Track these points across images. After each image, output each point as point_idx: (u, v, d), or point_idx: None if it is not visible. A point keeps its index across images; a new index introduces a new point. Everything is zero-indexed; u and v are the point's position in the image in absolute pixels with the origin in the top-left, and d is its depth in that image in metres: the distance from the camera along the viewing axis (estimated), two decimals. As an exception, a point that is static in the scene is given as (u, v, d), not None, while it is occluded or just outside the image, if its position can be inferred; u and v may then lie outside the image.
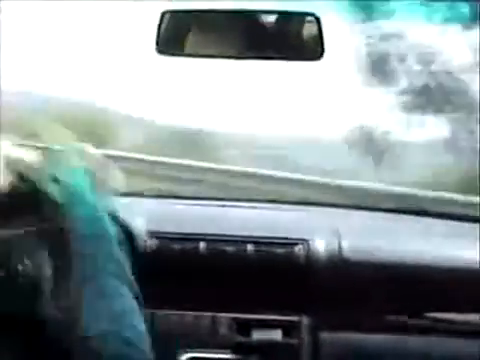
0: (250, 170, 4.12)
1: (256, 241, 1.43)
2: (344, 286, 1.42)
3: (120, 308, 0.86)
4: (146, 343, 0.86)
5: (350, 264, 1.42)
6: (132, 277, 0.93)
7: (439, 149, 4.12)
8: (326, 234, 1.47)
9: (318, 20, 1.25)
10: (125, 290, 0.89)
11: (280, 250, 1.43)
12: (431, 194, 3.58)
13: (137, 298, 0.93)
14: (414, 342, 1.43)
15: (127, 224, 1.36)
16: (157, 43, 1.25)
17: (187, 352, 1.41)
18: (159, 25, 1.24)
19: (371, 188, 3.64)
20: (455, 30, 4.15)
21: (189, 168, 4.28)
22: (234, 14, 1.28)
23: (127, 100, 4.73)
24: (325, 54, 1.27)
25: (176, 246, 1.43)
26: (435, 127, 4.34)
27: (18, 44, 3.92)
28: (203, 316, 1.43)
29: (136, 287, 0.94)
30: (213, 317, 1.43)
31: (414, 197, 3.33)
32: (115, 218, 1.26)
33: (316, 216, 1.67)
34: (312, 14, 1.26)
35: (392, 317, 1.44)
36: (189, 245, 1.43)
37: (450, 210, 1.87)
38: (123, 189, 1.73)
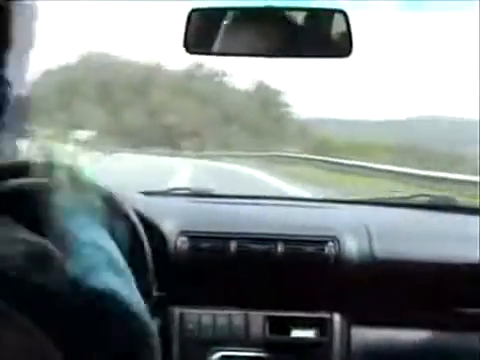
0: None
1: (286, 239, 1.50)
2: (374, 283, 1.48)
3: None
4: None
5: (380, 261, 1.47)
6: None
7: None
8: (356, 231, 1.52)
9: (346, 17, 1.32)
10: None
11: (310, 248, 1.50)
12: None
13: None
14: (444, 338, 1.49)
15: (156, 224, 1.44)
16: (185, 43, 1.32)
17: (219, 351, 1.50)
18: (187, 24, 1.31)
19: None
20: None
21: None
22: (262, 11, 1.32)
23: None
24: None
25: (207, 245, 1.49)
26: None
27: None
28: (234, 315, 1.50)
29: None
30: (244, 315, 1.50)
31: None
32: (144, 218, 1.34)
33: (346, 213, 1.72)
34: (341, 11, 1.33)
35: (422, 313, 1.49)
36: (220, 244, 1.50)
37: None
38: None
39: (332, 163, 15.96)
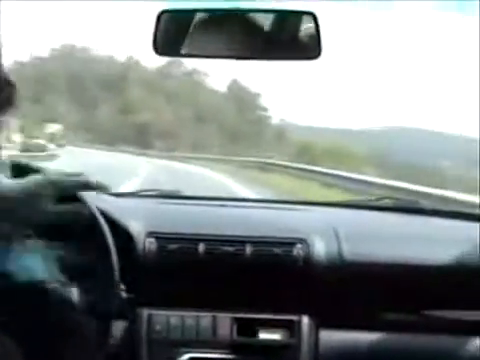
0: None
1: (255, 241, 1.52)
2: (343, 285, 1.51)
3: None
4: None
5: (348, 263, 1.51)
6: None
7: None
8: (324, 233, 1.56)
9: (315, 18, 1.33)
10: None
11: (279, 250, 1.51)
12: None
13: None
14: (412, 340, 1.53)
15: (124, 225, 1.46)
16: (154, 44, 1.33)
17: (187, 352, 1.50)
18: (156, 26, 1.32)
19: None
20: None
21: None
22: (231, 13, 1.35)
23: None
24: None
25: (175, 246, 1.50)
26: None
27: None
28: (202, 316, 1.51)
29: None
30: (212, 317, 1.51)
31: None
32: (111, 219, 1.37)
33: (314, 215, 1.75)
34: (309, 12, 1.35)
35: (390, 315, 1.54)
36: (188, 245, 1.51)
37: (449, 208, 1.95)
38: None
39: (311, 172, 15.76)
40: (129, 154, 32.87)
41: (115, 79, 55.84)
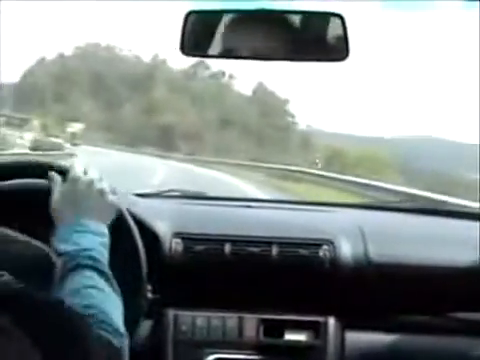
0: None
1: (281, 242, 1.53)
2: (369, 286, 1.52)
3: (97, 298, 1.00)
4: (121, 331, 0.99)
5: (374, 264, 1.52)
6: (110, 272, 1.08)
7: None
8: (351, 235, 1.57)
9: (343, 20, 1.34)
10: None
11: (305, 251, 1.52)
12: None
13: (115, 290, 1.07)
14: (437, 342, 1.53)
15: (150, 226, 1.48)
16: (182, 44, 1.34)
17: (212, 353, 1.52)
18: (184, 26, 1.33)
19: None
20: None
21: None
22: (258, 14, 1.36)
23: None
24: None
25: (201, 247, 1.52)
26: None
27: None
28: (229, 317, 1.53)
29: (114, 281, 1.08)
30: (238, 318, 1.53)
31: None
32: (138, 220, 1.38)
33: (341, 216, 1.77)
34: (337, 14, 1.35)
35: (416, 317, 1.54)
36: (214, 246, 1.52)
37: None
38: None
39: (343, 181, 15.15)
40: (148, 156, 32.80)
41: (139, 79, 56.21)
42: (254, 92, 58.47)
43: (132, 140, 45.11)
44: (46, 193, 1.17)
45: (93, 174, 1.18)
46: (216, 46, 1.37)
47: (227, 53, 1.39)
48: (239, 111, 52.61)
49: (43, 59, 60.60)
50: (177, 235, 1.53)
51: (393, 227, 1.69)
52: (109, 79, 58.16)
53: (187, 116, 48.52)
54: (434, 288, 1.52)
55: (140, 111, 52.48)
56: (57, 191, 1.16)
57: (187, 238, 1.53)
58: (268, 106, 54.05)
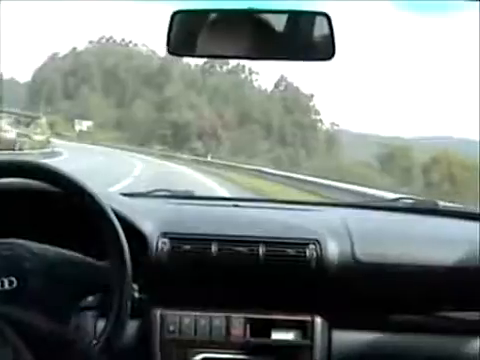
0: None
1: (268, 241, 1.61)
2: (355, 286, 1.60)
3: None
4: None
5: (361, 264, 1.60)
6: None
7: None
8: (338, 234, 1.65)
9: (329, 20, 1.41)
10: None
11: (292, 251, 1.60)
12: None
13: None
14: (424, 341, 1.61)
15: (137, 225, 1.57)
16: (168, 44, 1.43)
17: (199, 353, 1.60)
18: (170, 26, 1.42)
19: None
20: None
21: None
22: (244, 14, 1.44)
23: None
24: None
25: (188, 247, 1.60)
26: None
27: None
28: (216, 317, 1.60)
29: None
30: (226, 318, 1.60)
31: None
32: (124, 219, 1.48)
33: (328, 216, 1.85)
34: (323, 13, 1.43)
35: (403, 316, 1.63)
36: (201, 246, 1.60)
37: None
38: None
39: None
40: (151, 156, 32.52)
41: (154, 74, 56.29)
42: (276, 87, 58.27)
43: (143, 138, 45.13)
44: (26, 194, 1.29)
45: None
46: (203, 46, 1.45)
47: (213, 52, 1.48)
48: (260, 108, 52.40)
49: (56, 55, 61.03)
50: (164, 235, 1.61)
51: (379, 226, 1.75)
52: (122, 75, 58.37)
53: (204, 114, 48.48)
54: (420, 287, 1.59)
55: (154, 108, 52.56)
56: None
57: (174, 238, 1.61)
58: (291, 102, 53.75)
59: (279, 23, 1.46)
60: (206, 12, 1.47)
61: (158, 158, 32.06)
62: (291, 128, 51.19)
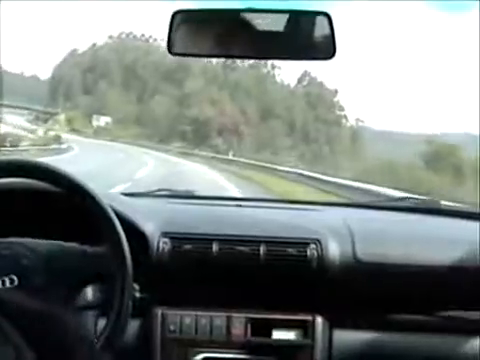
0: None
1: (269, 241, 1.63)
2: (356, 285, 1.63)
3: None
4: None
5: (362, 263, 1.63)
6: None
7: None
8: (339, 234, 1.67)
9: (330, 19, 1.44)
10: None
11: (293, 250, 1.63)
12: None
13: None
14: (426, 340, 1.63)
15: (138, 225, 1.61)
16: (168, 43, 1.46)
17: (200, 352, 1.62)
18: (170, 26, 1.45)
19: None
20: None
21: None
22: (246, 13, 1.46)
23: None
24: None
25: (189, 246, 1.63)
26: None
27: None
28: (216, 316, 1.63)
29: None
30: (226, 317, 1.63)
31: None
32: (125, 219, 1.52)
33: (329, 215, 1.88)
34: (324, 13, 1.46)
35: (404, 316, 1.65)
36: (202, 245, 1.63)
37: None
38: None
39: None
40: (167, 154, 32.35)
41: (174, 70, 56.41)
42: (300, 82, 58.10)
43: (164, 135, 45.23)
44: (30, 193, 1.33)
45: None
46: (204, 45, 1.49)
47: (214, 52, 1.53)
48: (283, 104, 52.27)
49: (75, 51, 61.50)
50: (165, 235, 1.63)
51: (381, 226, 1.77)
52: (142, 70, 58.60)
53: (225, 110, 48.48)
54: (422, 287, 1.61)
55: (174, 104, 52.68)
56: None
57: (175, 237, 1.63)
58: (315, 98, 53.53)
59: (280, 23, 1.49)
60: (207, 12, 1.50)
61: (175, 156, 31.79)
62: (315, 124, 51.01)
